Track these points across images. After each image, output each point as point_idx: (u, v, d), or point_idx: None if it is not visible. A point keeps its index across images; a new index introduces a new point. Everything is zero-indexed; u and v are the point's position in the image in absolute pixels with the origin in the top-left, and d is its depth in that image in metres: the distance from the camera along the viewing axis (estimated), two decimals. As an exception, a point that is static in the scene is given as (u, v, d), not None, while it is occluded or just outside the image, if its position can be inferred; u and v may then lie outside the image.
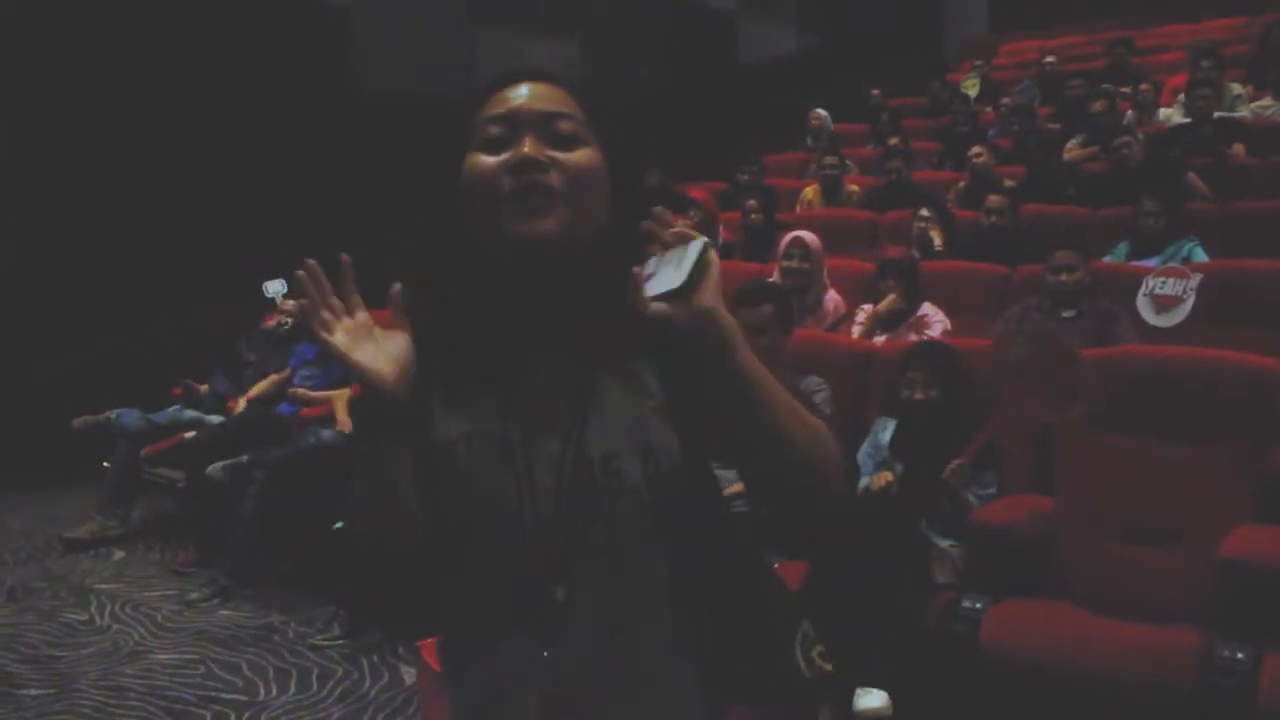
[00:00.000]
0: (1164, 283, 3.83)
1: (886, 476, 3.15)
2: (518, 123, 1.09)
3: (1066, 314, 4.14)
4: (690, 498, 1.17)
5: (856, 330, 4.47)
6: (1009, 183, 6.42)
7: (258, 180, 6.10)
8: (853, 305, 4.66)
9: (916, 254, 4.99)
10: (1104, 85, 8.02)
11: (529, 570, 1.12)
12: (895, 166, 6.81)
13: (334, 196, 6.10)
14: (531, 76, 1.14)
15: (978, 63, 10.33)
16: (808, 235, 4.74)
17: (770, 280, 4.39)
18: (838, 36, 11.33)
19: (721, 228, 6.18)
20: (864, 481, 3.28)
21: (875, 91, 9.74)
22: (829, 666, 1.24)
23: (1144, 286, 3.83)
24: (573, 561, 1.12)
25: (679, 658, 1.17)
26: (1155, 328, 4.03)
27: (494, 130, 1.10)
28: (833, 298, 4.68)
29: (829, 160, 7.00)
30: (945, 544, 3.09)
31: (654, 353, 1.16)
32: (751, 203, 6.06)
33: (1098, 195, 5.91)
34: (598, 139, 1.14)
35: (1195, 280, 3.71)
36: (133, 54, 5.95)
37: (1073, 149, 7.13)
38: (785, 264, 4.66)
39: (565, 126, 1.11)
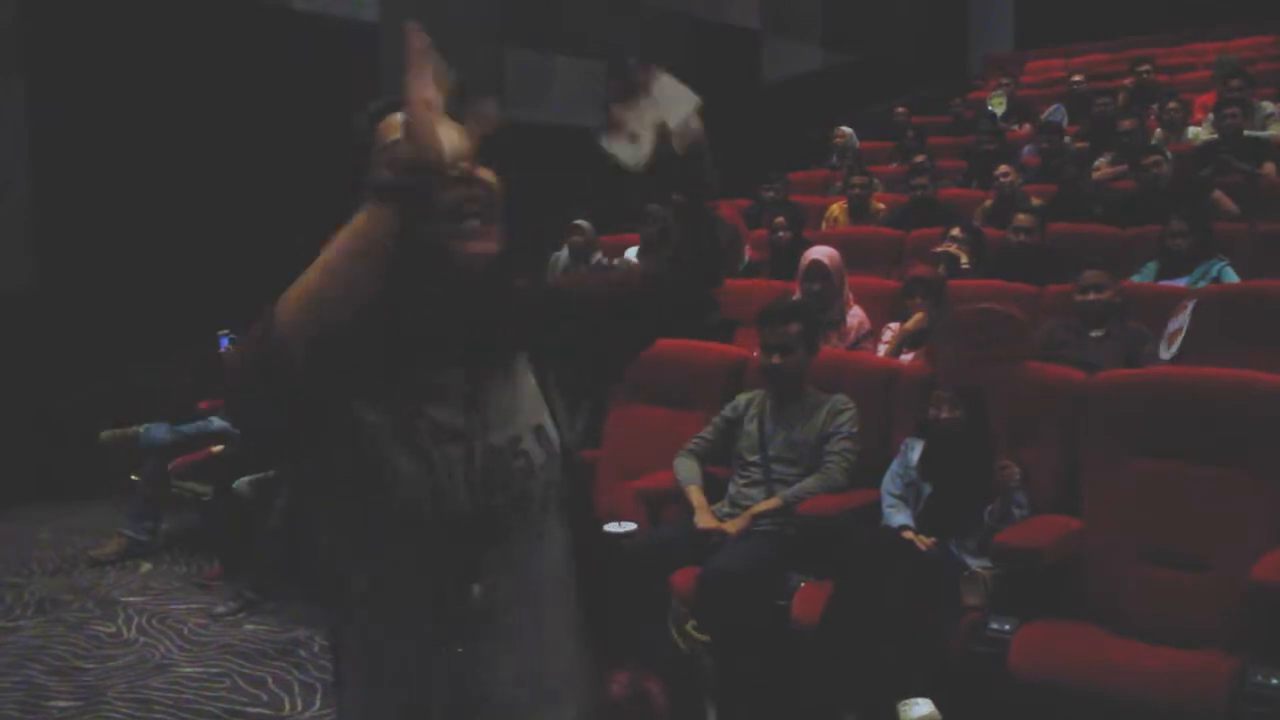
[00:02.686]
0: (1173, 321, 3.92)
1: (925, 541, 3.14)
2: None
3: (1095, 334, 4.13)
4: (570, 479, 1.30)
5: (883, 349, 4.47)
6: (1036, 201, 6.40)
7: (288, 203, 6.14)
8: (877, 323, 4.65)
9: (944, 272, 4.98)
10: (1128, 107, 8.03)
11: (448, 562, 1.21)
12: (921, 184, 6.80)
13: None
14: None
15: (1004, 80, 10.31)
16: (825, 255, 4.69)
17: (796, 299, 4.39)
18: (862, 54, 11.33)
19: (747, 246, 6.19)
20: (898, 520, 3.27)
21: (900, 109, 9.74)
22: (705, 637, 1.31)
23: (1164, 332, 3.94)
24: (489, 548, 1.22)
25: (575, 631, 1.30)
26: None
27: None
28: (856, 314, 4.66)
29: (857, 180, 7.00)
30: (975, 565, 3.06)
31: (529, 348, 1.30)
32: (779, 220, 6.06)
33: (1126, 214, 5.87)
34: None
35: (1191, 306, 3.78)
36: (164, 78, 6.02)
37: (1102, 167, 7.10)
38: (806, 286, 4.65)
39: None
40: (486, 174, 1.21)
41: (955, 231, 5.34)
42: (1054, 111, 8.84)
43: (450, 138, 1.09)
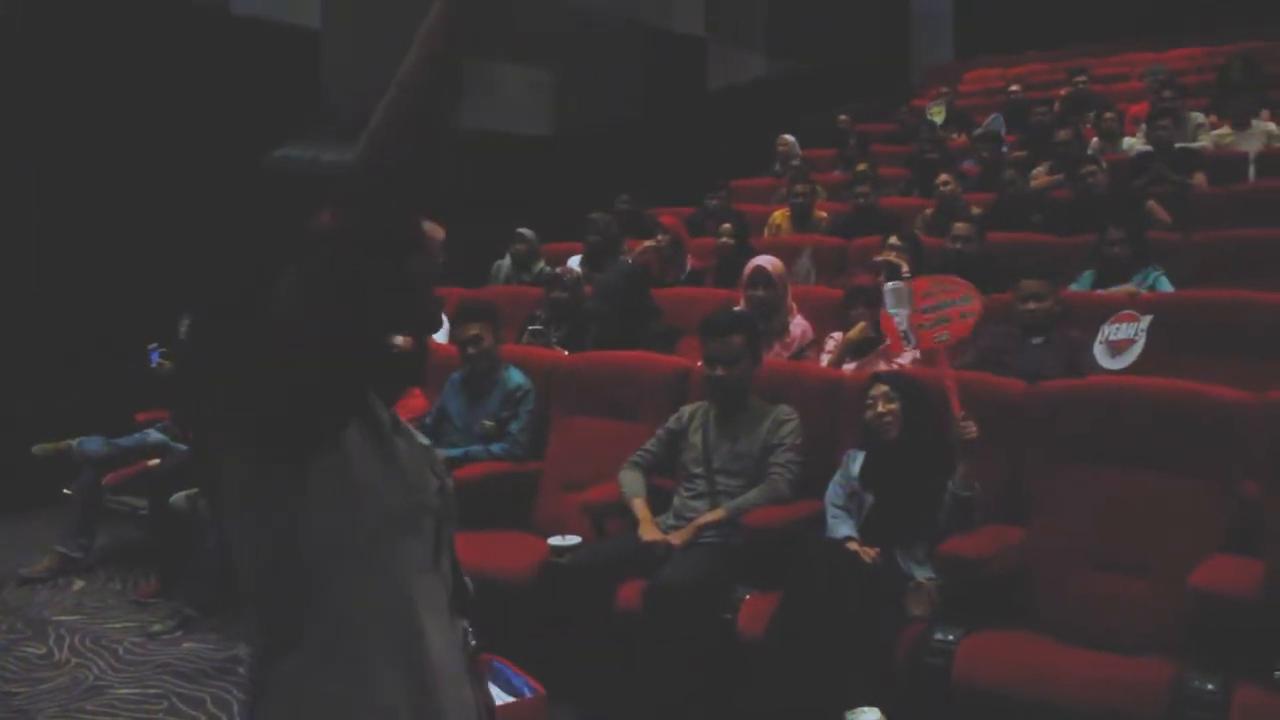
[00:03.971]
0: (1118, 329, 3.92)
1: (869, 552, 3.13)
2: None
3: (1035, 340, 4.16)
4: None
5: (825, 359, 4.48)
6: (976, 209, 6.48)
7: (222, 211, 6.04)
8: (820, 332, 4.66)
9: (884, 281, 5.00)
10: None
11: (437, 556, 1.28)
12: (863, 192, 6.85)
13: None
14: None
15: (944, 89, 10.44)
16: (769, 262, 4.71)
17: (739, 309, 4.39)
18: (805, 62, 11.42)
19: (690, 254, 6.19)
20: (843, 530, 3.27)
21: (843, 117, 9.82)
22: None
23: (1100, 334, 3.92)
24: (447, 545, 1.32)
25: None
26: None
27: None
28: (799, 323, 4.68)
29: (800, 189, 7.02)
30: (920, 575, 3.08)
31: None
32: (725, 227, 6.07)
33: (1063, 223, 5.97)
34: None
35: (1146, 323, 3.79)
36: (97, 81, 5.89)
37: (1039, 176, 7.22)
38: (750, 293, 4.66)
39: None
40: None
41: (893, 240, 5.39)
42: (993, 121, 8.97)
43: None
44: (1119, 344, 3.91)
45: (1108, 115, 7.94)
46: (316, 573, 1.16)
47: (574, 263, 6.32)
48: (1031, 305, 4.18)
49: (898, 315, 3.49)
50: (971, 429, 3.08)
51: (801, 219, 6.99)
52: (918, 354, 4.26)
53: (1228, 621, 2.64)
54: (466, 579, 1.35)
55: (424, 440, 1.32)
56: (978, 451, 3.10)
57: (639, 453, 3.72)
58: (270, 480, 1.15)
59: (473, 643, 1.34)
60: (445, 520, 1.30)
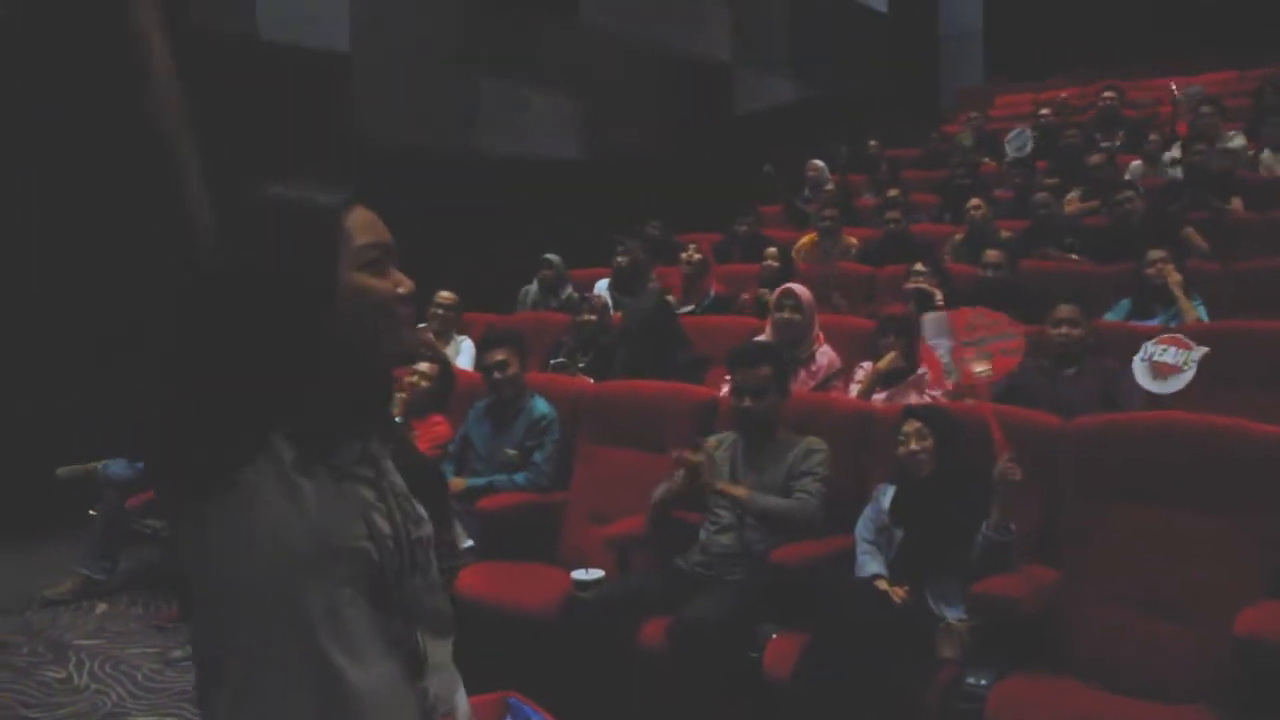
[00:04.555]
0: (1164, 350, 3.77)
1: (899, 592, 3.06)
2: (390, 251, 1.27)
3: (1068, 372, 4.07)
4: None
5: (855, 389, 4.41)
6: (1006, 234, 6.39)
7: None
8: (848, 362, 4.60)
9: (915, 310, 4.94)
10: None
11: (391, 600, 1.22)
12: (894, 218, 6.78)
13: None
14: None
15: (973, 115, 10.35)
16: (799, 286, 4.70)
17: (767, 341, 4.34)
18: (834, 87, 11.38)
19: (714, 280, 6.15)
20: (871, 568, 3.19)
21: (873, 142, 9.75)
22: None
23: (1143, 351, 3.78)
24: (409, 585, 1.25)
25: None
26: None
27: (374, 255, 1.24)
28: (826, 353, 4.62)
29: (828, 213, 6.96)
30: (951, 615, 3.00)
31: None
32: (771, 250, 6.01)
33: (1098, 250, 5.87)
34: None
35: (1198, 354, 3.64)
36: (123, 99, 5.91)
37: (1073, 201, 7.12)
38: (777, 316, 4.61)
39: None
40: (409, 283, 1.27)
41: (918, 266, 5.32)
42: (1018, 136, 8.87)
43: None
44: (1163, 367, 3.76)
45: (1152, 138, 7.80)
46: (225, 613, 1.17)
47: (601, 287, 6.28)
48: (1065, 330, 4.09)
49: (939, 346, 3.40)
50: (1017, 471, 2.95)
51: (828, 244, 6.92)
52: (948, 385, 4.18)
53: (1272, 671, 2.54)
54: (421, 642, 1.27)
55: (388, 481, 1.27)
56: (1018, 495, 2.99)
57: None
58: (182, 517, 1.17)
59: (439, 708, 1.28)
60: (395, 569, 1.23)
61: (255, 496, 1.14)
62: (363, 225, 1.24)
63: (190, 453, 1.12)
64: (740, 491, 3.39)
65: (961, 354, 3.30)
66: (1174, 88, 8.71)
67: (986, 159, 8.95)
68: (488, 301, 6.39)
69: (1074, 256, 6.05)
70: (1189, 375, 3.51)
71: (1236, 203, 6.37)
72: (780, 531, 3.35)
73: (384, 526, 1.23)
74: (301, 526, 1.15)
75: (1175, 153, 7.38)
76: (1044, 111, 9.65)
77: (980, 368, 3.25)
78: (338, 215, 1.23)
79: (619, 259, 6.40)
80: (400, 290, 1.25)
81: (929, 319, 3.54)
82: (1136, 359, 3.75)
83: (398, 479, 1.30)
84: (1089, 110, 9.62)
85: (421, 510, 1.31)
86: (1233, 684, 2.64)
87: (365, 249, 1.23)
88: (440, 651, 1.30)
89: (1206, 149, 6.77)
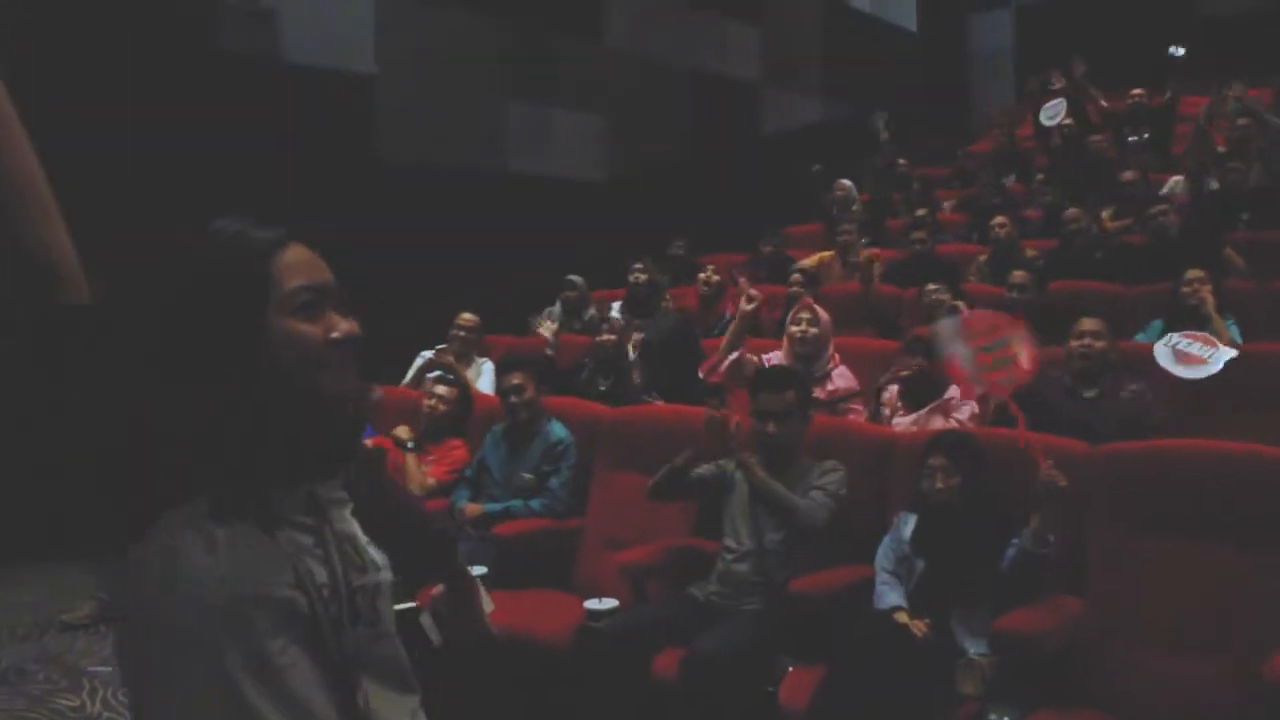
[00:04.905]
0: (1190, 343, 3.68)
1: (920, 625, 2.96)
2: (326, 293, 1.20)
3: (1088, 393, 3.91)
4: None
5: (885, 412, 4.31)
6: (1031, 253, 6.28)
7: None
8: (865, 385, 4.51)
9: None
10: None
11: (333, 655, 1.17)
12: (920, 238, 6.68)
13: (363, 270, 6.02)
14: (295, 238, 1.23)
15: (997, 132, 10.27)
16: (815, 305, 4.67)
17: (790, 366, 4.26)
18: (862, 106, 11.31)
19: (730, 302, 6.07)
20: (891, 599, 3.10)
21: (902, 161, 9.67)
22: None
23: (1169, 339, 3.70)
24: (349, 635, 1.19)
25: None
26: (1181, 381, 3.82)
27: (306, 298, 1.18)
28: (844, 374, 4.54)
29: (845, 228, 6.89)
30: (973, 650, 2.89)
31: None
32: (796, 275, 5.95)
33: (1132, 269, 5.72)
34: None
35: (1225, 355, 3.54)
36: (155, 135, 5.94)
37: (1105, 220, 6.97)
38: (793, 329, 4.55)
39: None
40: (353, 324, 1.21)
41: (930, 287, 5.24)
42: (1054, 105, 8.71)
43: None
44: (1189, 357, 3.69)
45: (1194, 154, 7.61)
46: (150, 660, 1.14)
47: (615, 309, 6.24)
48: (1087, 342, 3.93)
49: (959, 353, 3.27)
50: (1061, 477, 2.85)
51: (846, 260, 6.86)
52: (975, 409, 4.06)
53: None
54: (363, 696, 1.21)
55: (332, 528, 1.22)
56: (1059, 507, 2.88)
57: None
58: (115, 559, 1.14)
59: None
60: (331, 619, 1.17)
61: (173, 544, 1.10)
62: (295, 267, 1.18)
63: (103, 501, 1.09)
64: (757, 470, 3.37)
65: (982, 360, 3.19)
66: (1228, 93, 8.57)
67: (1011, 177, 8.83)
68: (510, 324, 6.36)
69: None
70: (1213, 369, 3.42)
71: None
72: (784, 527, 3.33)
73: (319, 574, 1.17)
74: (215, 576, 1.10)
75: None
76: (1066, 121, 9.41)
77: (1003, 379, 3.15)
78: (266, 258, 1.16)
79: (633, 280, 6.37)
80: (334, 335, 1.17)
81: (942, 327, 3.41)
82: (1159, 344, 3.68)
83: (348, 525, 1.24)
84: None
85: (375, 557, 1.26)
86: (1268, 723, 2.52)
87: (297, 292, 1.16)
88: (393, 707, 1.23)
89: (1241, 165, 6.64)
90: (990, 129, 11.24)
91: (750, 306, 4.49)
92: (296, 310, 1.16)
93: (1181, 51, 8.40)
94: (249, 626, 1.11)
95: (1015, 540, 2.92)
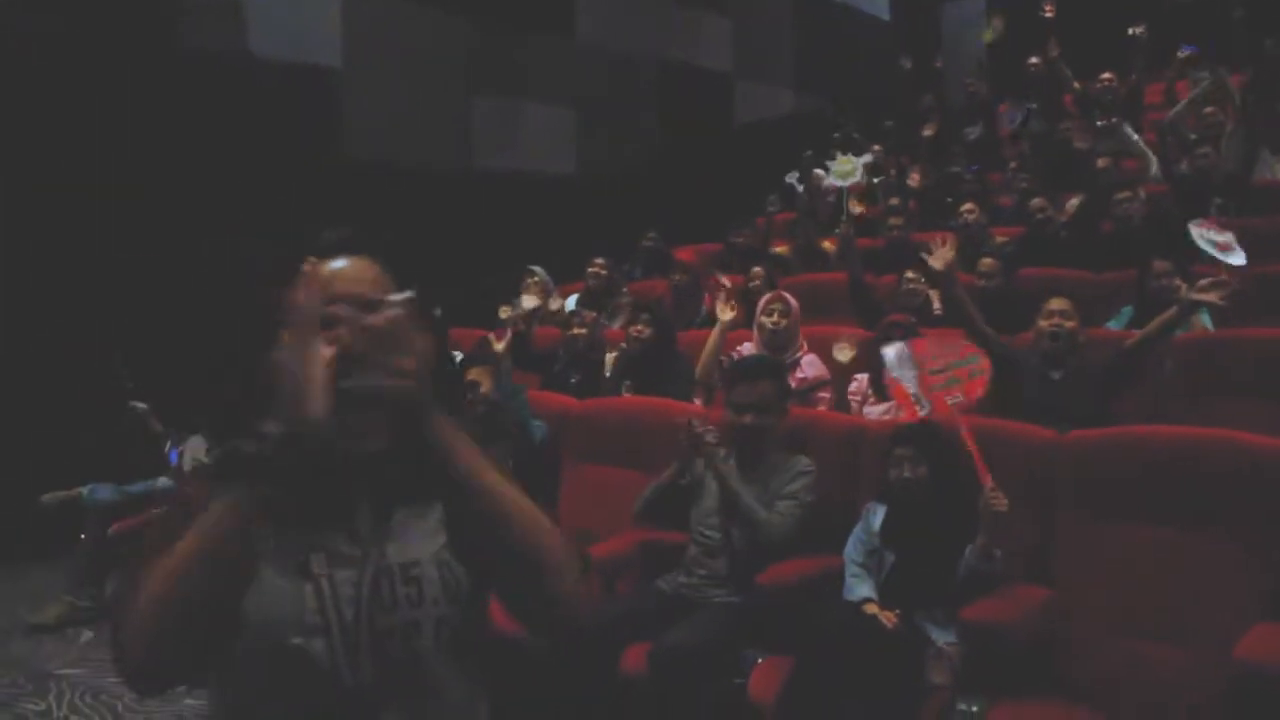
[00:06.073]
0: (1211, 232, 4.32)
1: (890, 617, 2.95)
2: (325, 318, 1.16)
3: (1054, 374, 3.87)
4: (477, 624, 1.26)
5: (854, 402, 4.31)
6: (1000, 239, 6.27)
7: (243, 249, 5.98)
8: (834, 375, 4.50)
9: (913, 319, 4.82)
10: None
11: (333, 694, 1.15)
12: (895, 224, 6.67)
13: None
14: (346, 249, 1.22)
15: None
16: (786, 294, 4.68)
17: (767, 356, 4.24)
18: (835, 96, 11.31)
19: (707, 294, 6.04)
20: (861, 591, 3.08)
21: (876, 147, 9.64)
22: None
23: (1199, 234, 4.29)
24: (375, 682, 1.16)
25: None
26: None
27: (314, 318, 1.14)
28: (814, 363, 4.54)
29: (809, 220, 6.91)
30: (942, 640, 2.88)
31: (441, 497, 1.24)
32: (756, 269, 5.90)
33: (1100, 256, 5.71)
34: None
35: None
36: (119, 128, 5.87)
37: (1072, 208, 6.96)
38: (764, 320, 4.54)
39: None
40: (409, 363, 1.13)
41: (909, 274, 5.26)
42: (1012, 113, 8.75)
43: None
44: (1224, 246, 4.20)
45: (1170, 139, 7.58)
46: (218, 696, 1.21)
47: (570, 304, 6.22)
48: (1056, 321, 3.90)
49: (904, 377, 3.29)
50: (1001, 503, 2.85)
51: (804, 251, 6.85)
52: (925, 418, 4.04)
53: (1273, 696, 2.43)
54: None
55: (374, 566, 1.20)
56: (1003, 525, 2.86)
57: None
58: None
59: None
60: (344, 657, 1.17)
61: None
62: (323, 280, 1.18)
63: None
64: (728, 481, 3.32)
65: (930, 382, 3.19)
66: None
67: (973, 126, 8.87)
68: (482, 318, 6.30)
69: None
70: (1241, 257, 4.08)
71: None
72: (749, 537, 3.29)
73: (346, 614, 1.18)
74: (239, 618, 1.13)
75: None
76: (1032, 106, 9.38)
77: (954, 397, 3.15)
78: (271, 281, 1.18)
79: (592, 273, 6.36)
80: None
81: (889, 352, 3.41)
82: (1198, 232, 4.27)
83: (400, 557, 1.22)
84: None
85: (428, 591, 1.22)
86: (1233, 711, 2.52)
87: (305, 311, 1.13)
88: None
89: (1211, 151, 6.64)
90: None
91: (728, 317, 4.49)
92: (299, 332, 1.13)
93: (1141, 29, 8.40)
94: (255, 663, 1.16)
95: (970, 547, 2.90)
